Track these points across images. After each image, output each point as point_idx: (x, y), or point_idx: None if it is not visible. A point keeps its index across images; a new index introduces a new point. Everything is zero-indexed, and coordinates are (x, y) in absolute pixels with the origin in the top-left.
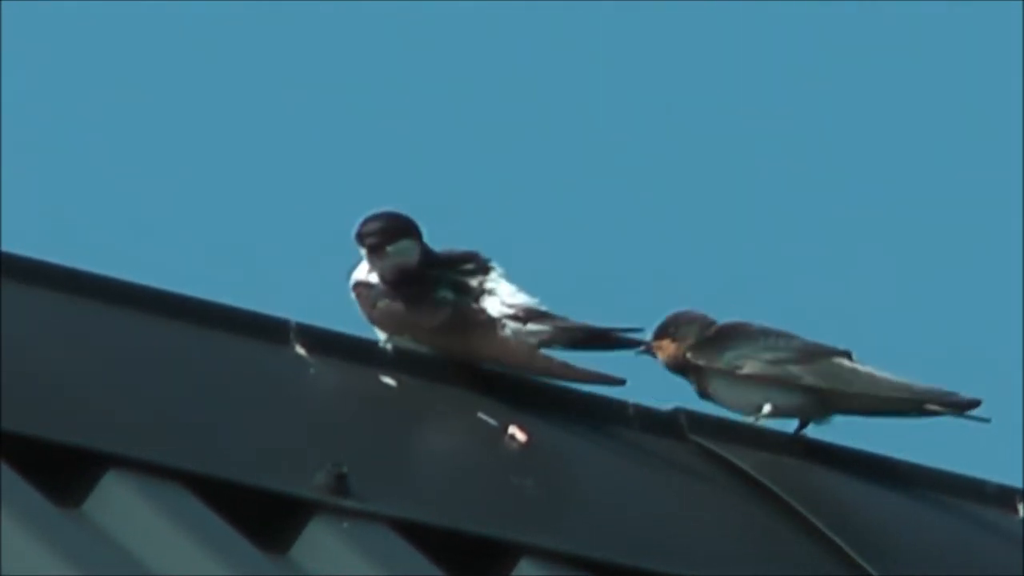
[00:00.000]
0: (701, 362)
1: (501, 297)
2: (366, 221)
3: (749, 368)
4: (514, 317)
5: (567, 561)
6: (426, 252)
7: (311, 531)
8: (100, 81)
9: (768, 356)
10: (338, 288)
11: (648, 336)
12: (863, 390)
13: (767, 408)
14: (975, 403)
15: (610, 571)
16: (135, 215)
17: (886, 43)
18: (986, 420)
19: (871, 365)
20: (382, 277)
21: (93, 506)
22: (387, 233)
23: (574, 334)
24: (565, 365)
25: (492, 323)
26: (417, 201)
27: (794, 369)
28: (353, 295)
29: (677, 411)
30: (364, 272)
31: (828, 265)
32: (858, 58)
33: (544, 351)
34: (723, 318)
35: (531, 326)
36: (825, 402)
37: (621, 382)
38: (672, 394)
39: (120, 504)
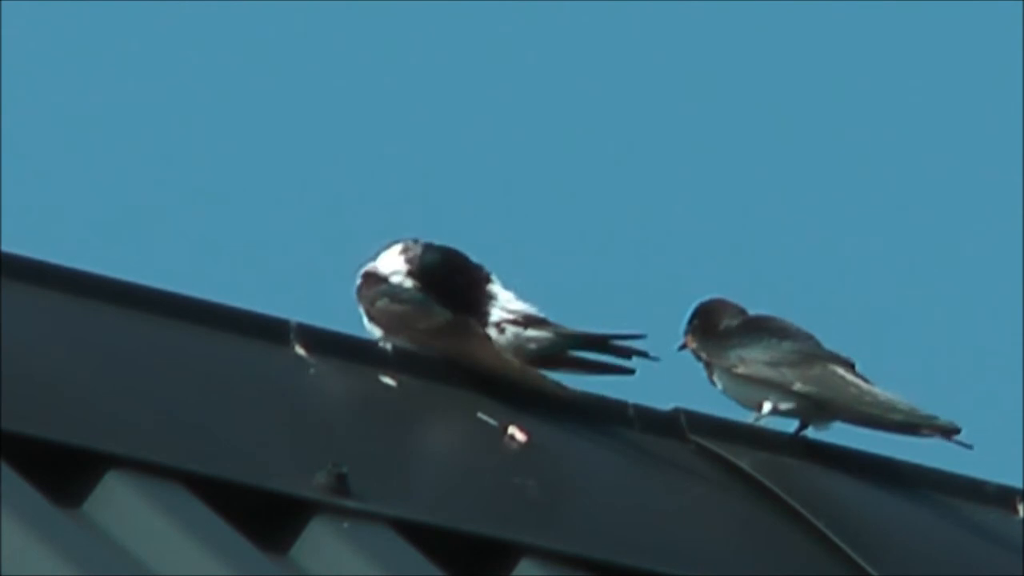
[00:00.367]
0: (704, 356)
1: (501, 304)
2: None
3: (744, 368)
4: (514, 323)
5: (567, 561)
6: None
7: (311, 531)
8: (100, 81)
9: (765, 357)
10: (338, 288)
11: (649, 339)
12: (849, 403)
13: (767, 408)
14: (956, 430)
15: (610, 571)
16: (135, 215)
17: (886, 43)
18: (968, 446)
19: (868, 378)
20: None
21: (93, 506)
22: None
23: (573, 341)
24: (557, 385)
25: (488, 337)
26: (417, 203)
27: (788, 373)
28: (356, 289)
29: (677, 411)
30: (387, 267)
31: (829, 265)
32: (858, 58)
33: (538, 369)
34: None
35: (531, 332)
36: (820, 408)
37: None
38: (672, 394)
39: (120, 504)
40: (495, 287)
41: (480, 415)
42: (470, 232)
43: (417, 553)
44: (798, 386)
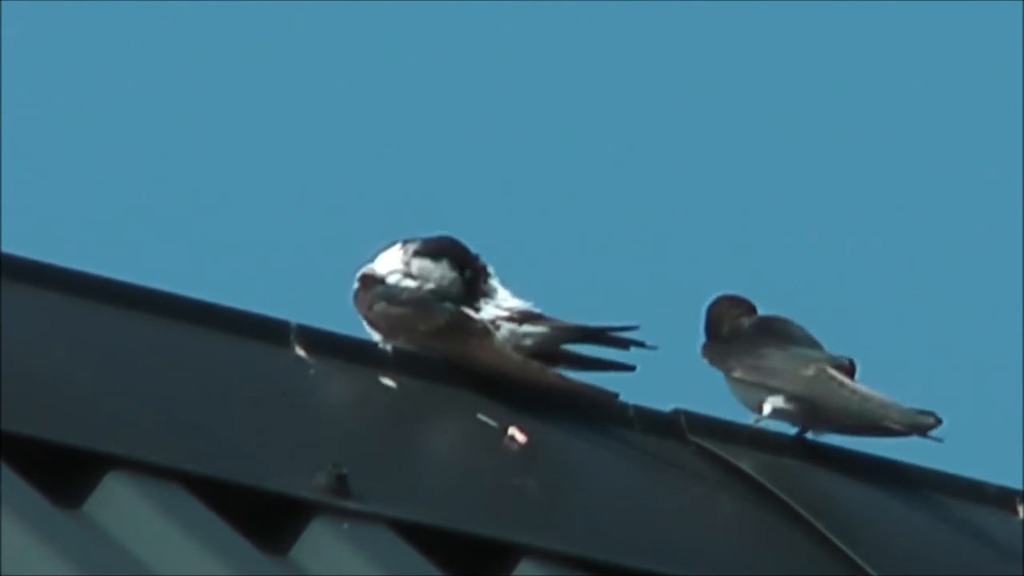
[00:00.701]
0: (707, 359)
1: (497, 300)
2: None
3: (740, 373)
4: (509, 319)
5: (567, 562)
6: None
7: (311, 532)
8: (100, 81)
9: (763, 362)
10: (338, 289)
11: (644, 333)
12: (843, 410)
13: (767, 410)
14: (935, 423)
15: (610, 572)
16: (135, 215)
17: (886, 43)
18: (939, 440)
19: (868, 383)
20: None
21: (93, 507)
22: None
23: (569, 334)
24: (559, 376)
25: (487, 331)
26: (415, 202)
27: (785, 378)
28: (353, 294)
29: (677, 412)
30: (383, 268)
31: (829, 265)
32: (858, 58)
33: (538, 363)
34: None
35: (526, 328)
36: (815, 414)
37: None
38: (673, 395)
39: (120, 505)
40: (492, 282)
41: (480, 416)
42: (470, 232)
43: (417, 554)
44: (791, 388)
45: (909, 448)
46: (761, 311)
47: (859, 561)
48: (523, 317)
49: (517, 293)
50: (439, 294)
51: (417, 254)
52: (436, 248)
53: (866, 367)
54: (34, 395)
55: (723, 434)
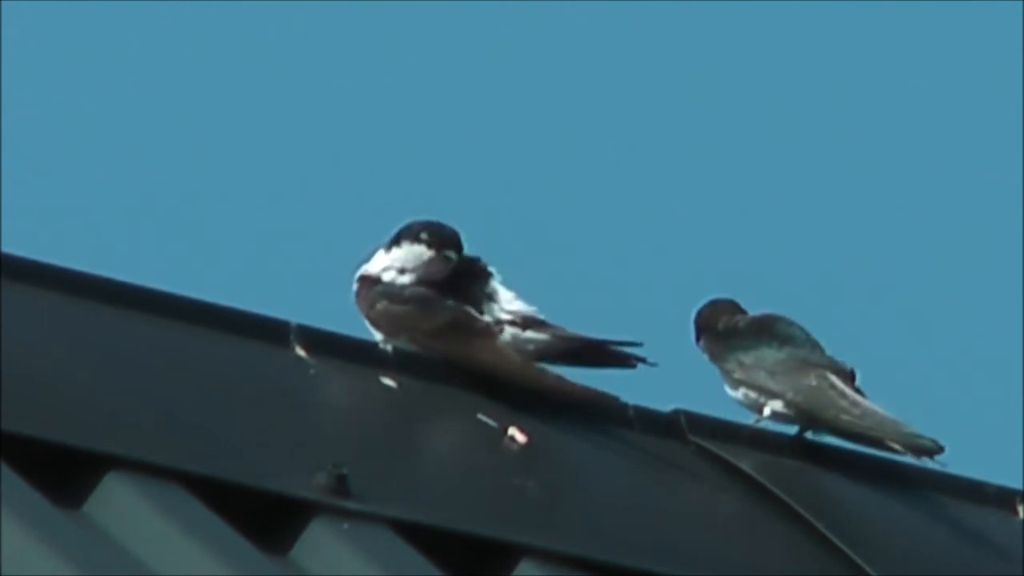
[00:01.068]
0: (707, 357)
1: (500, 303)
2: (452, 229)
3: (741, 374)
4: (512, 324)
5: (567, 562)
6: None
7: (311, 532)
8: (100, 81)
9: (763, 363)
10: (338, 289)
11: (647, 338)
12: (838, 418)
13: (767, 411)
14: (938, 450)
15: (610, 572)
16: (135, 216)
17: (886, 43)
18: (943, 465)
19: (864, 391)
20: (430, 282)
21: (94, 507)
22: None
23: (571, 344)
24: (559, 379)
25: (489, 331)
26: (417, 202)
27: (783, 382)
28: (354, 294)
29: (677, 412)
30: (378, 268)
31: (829, 265)
32: (858, 58)
33: (539, 364)
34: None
35: (529, 334)
36: (811, 419)
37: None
38: (673, 396)
39: (120, 505)
40: (495, 284)
41: (480, 416)
42: (470, 232)
43: (417, 554)
44: (791, 396)
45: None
46: (763, 311)
47: (859, 561)
48: (526, 323)
49: (521, 296)
50: (424, 280)
51: (395, 243)
52: (410, 232)
53: (867, 367)
54: (34, 395)
55: (723, 434)
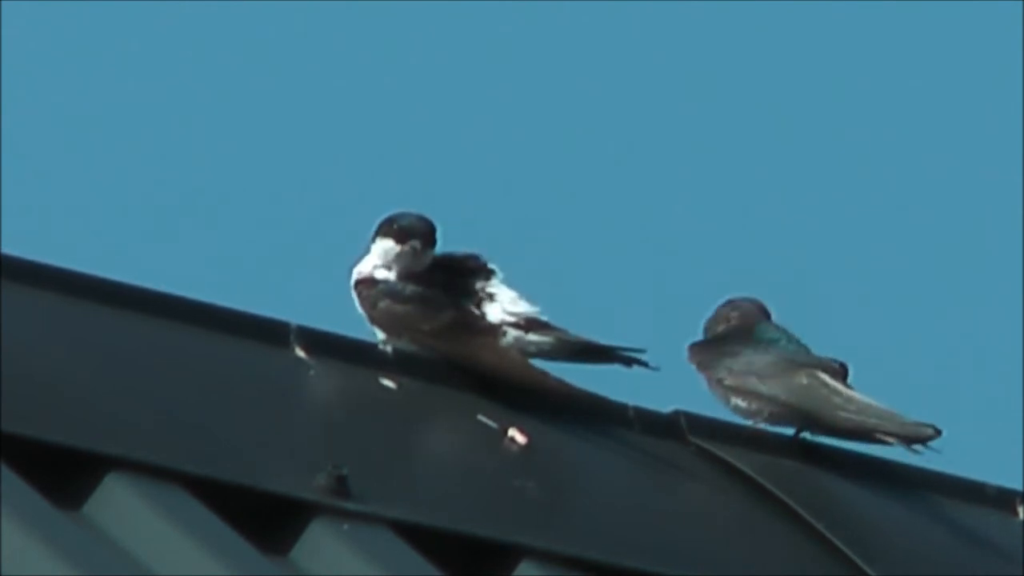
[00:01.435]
0: (695, 363)
1: (502, 304)
2: (419, 218)
3: (731, 380)
4: (515, 325)
5: (567, 563)
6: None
7: (311, 533)
8: (100, 81)
9: (752, 368)
10: (338, 290)
11: (648, 341)
12: (834, 415)
13: (763, 415)
14: (934, 434)
15: (610, 572)
16: (135, 217)
17: (886, 43)
18: (937, 451)
19: (858, 388)
20: (410, 275)
21: (94, 508)
22: (433, 235)
23: (574, 347)
24: (560, 380)
25: (492, 331)
26: (418, 203)
27: (774, 385)
28: (354, 294)
29: (677, 413)
30: (369, 266)
31: (829, 268)
32: (858, 58)
33: (541, 366)
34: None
35: (532, 336)
36: (807, 419)
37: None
38: (672, 396)
39: (121, 506)
40: (497, 284)
41: (480, 417)
42: (471, 232)
43: (417, 555)
44: (784, 398)
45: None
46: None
47: (859, 561)
48: (530, 325)
49: (524, 296)
50: (405, 275)
51: (372, 239)
52: (381, 227)
53: (867, 367)
54: (34, 395)
55: (723, 435)
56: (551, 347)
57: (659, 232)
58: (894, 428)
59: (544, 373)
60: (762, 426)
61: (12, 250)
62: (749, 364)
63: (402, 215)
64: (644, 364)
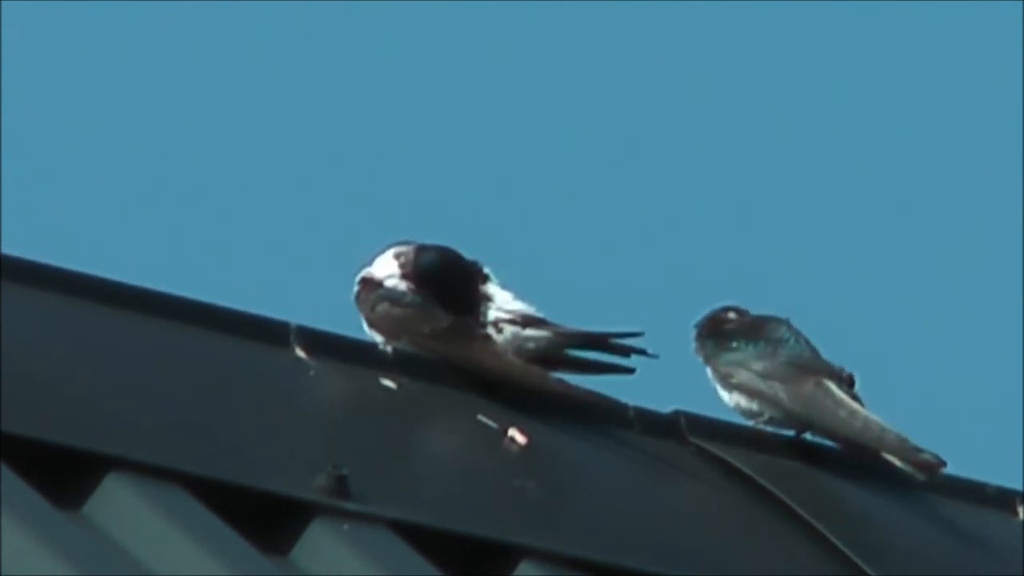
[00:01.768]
0: (701, 357)
1: (498, 303)
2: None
3: (736, 379)
4: (512, 323)
5: (567, 563)
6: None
7: (311, 533)
8: (100, 81)
9: (758, 368)
10: (338, 290)
11: (647, 339)
12: (836, 428)
13: (763, 416)
14: (939, 465)
15: (610, 573)
16: (135, 217)
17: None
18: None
19: (862, 398)
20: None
21: (94, 508)
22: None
23: (572, 340)
24: (560, 382)
25: (489, 335)
26: (416, 204)
27: (778, 388)
28: (354, 296)
29: (677, 413)
30: (380, 271)
31: (830, 269)
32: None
33: (539, 368)
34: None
35: (529, 332)
36: (808, 426)
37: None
38: (673, 397)
39: (121, 506)
40: (492, 286)
41: (480, 417)
42: (470, 232)
43: (417, 555)
44: (787, 403)
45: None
46: (760, 313)
47: (859, 561)
48: (526, 321)
49: (519, 296)
50: (404, 278)
51: (387, 252)
52: (393, 249)
53: (867, 367)
54: (34, 395)
55: (723, 435)
56: (548, 342)
57: (659, 232)
58: (896, 450)
59: (544, 373)
60: (763, 425)
61: (12, 250)
62: (756, 363)
63: (417, 251)
64: (643, 352)
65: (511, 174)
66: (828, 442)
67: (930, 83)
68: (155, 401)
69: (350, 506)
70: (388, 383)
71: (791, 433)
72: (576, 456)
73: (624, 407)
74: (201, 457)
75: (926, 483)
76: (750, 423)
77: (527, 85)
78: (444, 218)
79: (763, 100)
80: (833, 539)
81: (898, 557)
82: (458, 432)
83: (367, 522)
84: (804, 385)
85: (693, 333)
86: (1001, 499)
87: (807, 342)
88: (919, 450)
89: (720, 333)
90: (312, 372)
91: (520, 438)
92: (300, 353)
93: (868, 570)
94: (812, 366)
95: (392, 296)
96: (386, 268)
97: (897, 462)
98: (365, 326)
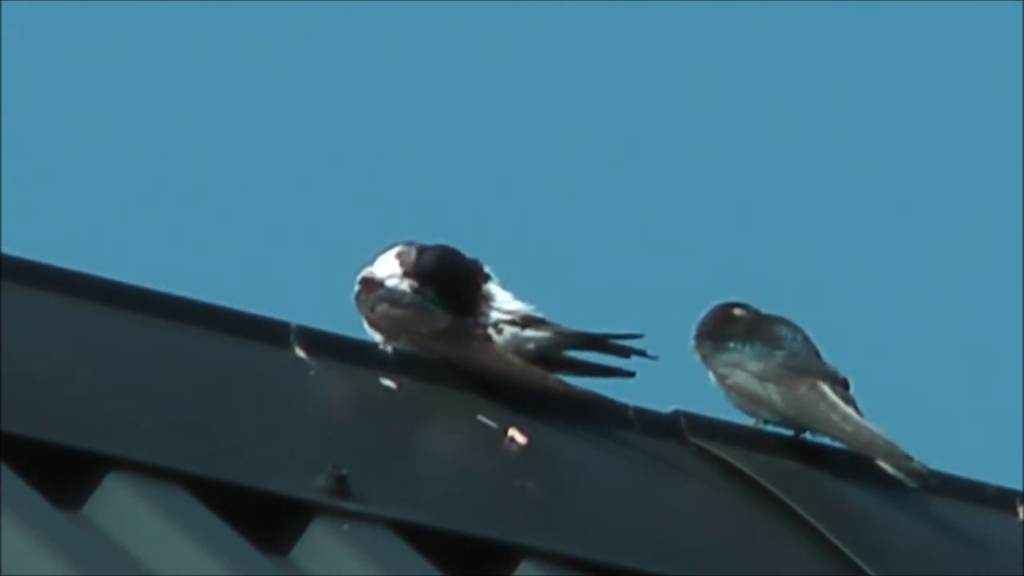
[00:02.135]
0: (699, 356)
1: (498, 304)
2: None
3: (732, 379)
4: (511, 323)
5: (567, 563)
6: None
7: (312, 533)
8: (100, 81)
9: (754, 368)
10: (338, 291)
11: (647, 339)
12: (827, 431)
13: (758, 417)
14: (924, 475)
15: (610, 573)
16: (135, 217)
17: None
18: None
19: (856, 402)
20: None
21: (94, 508)
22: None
23: (571, 340)
24: (560, 383)
25: (489, 335)
26: (416, 204)
27: (773, 390)
28: (355, 296)
29: (677, 413)
30: (382, 271)
31: (830, 269)
32: (858, 58)
33: (539, 368)
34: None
35: (529, 332)
36: (802, 428)
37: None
38: (673, 397)
39: (121, 506)
40: (493, 287)
41: (480, 417)
42: (470, 232)
43: (417, 555)
44: (780, 405)
45: (909, 450)
46: (761, 312)
47: (858, 561)
48: (526, 321)
49: (519, 296)
50: (404, 277)
51: (390, 251)
52: (399, 250)
53: (867, 367)
54: (34, 395)
55: (723, 435)
56: (548, 342)
57: (659, 232)
58: (885, 456)
59: (544, 373)
60: (762, 426)
61: (12, 250)
62: (752, 365)
63: (420, 253)
64: (642, 353)
65: (511, 174)
66: (828, 442)
67: (930, 83)
68: (155, 401)
69: (350, 506)
70: (388, 383)
71: (791, 433)
72: (576, 456)
73: (624, 407)
74: (201, 457)
75: (926, 483)
76: (750, 423)
77: (527, 85)
78: (444, 218)
79: (763, 100)
80: (833, 539)
81: (898, 557)
82: (458, 432)
83: (367, 522)
84: (798, 387)
85: (693, 332)
86: (1001, 499)
87: (807, 343)
88: (909, 458)
89: (719, 333)
90: (312, 372)
91: (520, 438)
92: (300, 353)
93: (868, 570)
94: (807, 368)
95: (392, 296)
96: (387, 268)
97: (888, 468)
98: (365, 326)
